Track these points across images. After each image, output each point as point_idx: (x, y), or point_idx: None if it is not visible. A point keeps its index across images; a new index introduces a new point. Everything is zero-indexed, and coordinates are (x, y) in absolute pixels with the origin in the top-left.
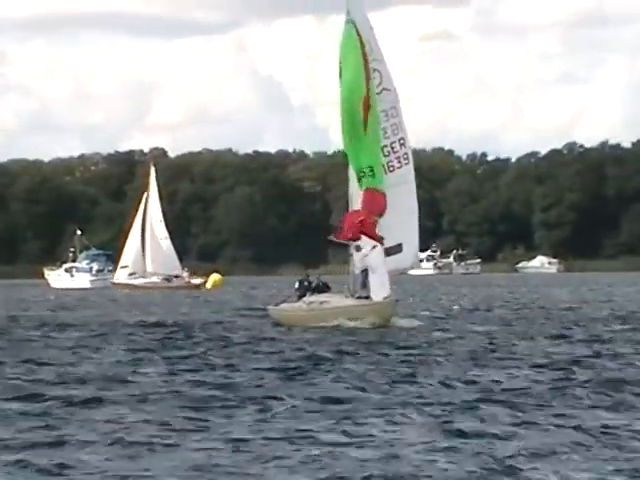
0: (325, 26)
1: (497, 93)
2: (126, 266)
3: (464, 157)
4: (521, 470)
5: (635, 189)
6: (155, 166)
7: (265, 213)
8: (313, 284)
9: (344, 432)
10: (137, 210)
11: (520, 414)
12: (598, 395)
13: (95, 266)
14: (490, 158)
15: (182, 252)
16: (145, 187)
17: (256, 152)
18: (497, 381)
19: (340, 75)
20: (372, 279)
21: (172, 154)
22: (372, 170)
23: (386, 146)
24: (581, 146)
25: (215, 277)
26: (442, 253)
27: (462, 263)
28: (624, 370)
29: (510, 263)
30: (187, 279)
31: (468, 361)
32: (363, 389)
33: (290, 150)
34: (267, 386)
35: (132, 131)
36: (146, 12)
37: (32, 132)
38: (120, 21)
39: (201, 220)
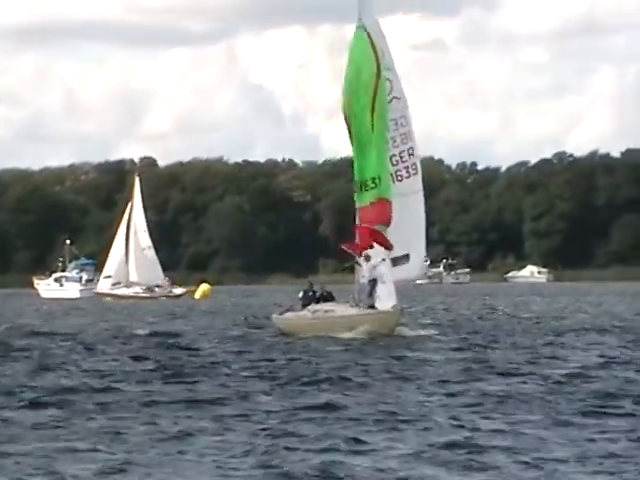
0: (315, 36)
1: (487, 102)
2: (109, 276)
3: (454, 166)
4: None
5: (625, 198)
6: (140, 176)
7: (255, 222)
8: (317, 294)
9: None
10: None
11: None
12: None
13: (85, 276)
14: (480, 167)
15: (173, 262)
16: (130, 197)
17: (246, 161)
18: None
19: (349, 80)
20: (381, 289)
21: (162, 163)
22: (375, 181)
23: (395, 155)
24: (571, 155)
25: (204, 287)
26: (432, 262)
27: (452, 272)
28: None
29: (500, 273)
30: (168, 289)
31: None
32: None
33: (280, 159)
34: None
35: (123, 140)
36: (136, 22)
37: (22, 141)
38: (110, 31)
39: (192, 229)
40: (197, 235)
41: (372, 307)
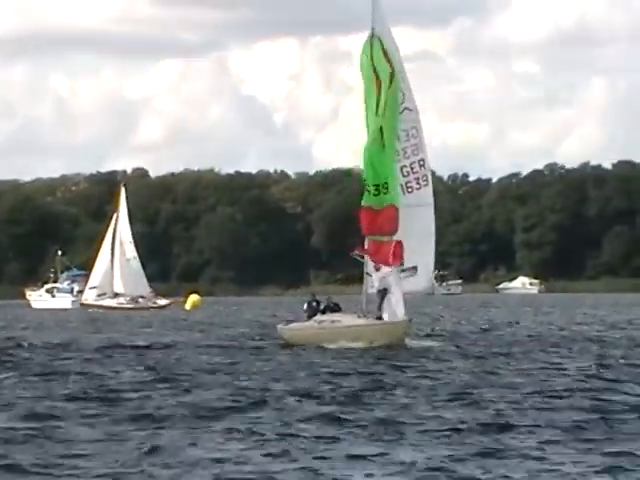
0: (307, 48)
1: (478, 114)
2: (95, 287)
3: (445, 177)
4: None
5: (616, 210)
6: (125, 186)
7: (246, 233)
8: (322, 305)
9: None
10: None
11: None
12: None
13: (76, 287)
14: (472, 178)
15: (164, 272)
16: (116, 207)
17: (238, 172)
18: None
19: (370, 90)
20: (391, 299)
21: (154, 174)
22: (388, 186)
23: (405, 166)
24: (562, 167)
25: (194, 298)
26: None
27: (444, 284)
28: None
29: (492, 284)
30: (152, 300)
31: None
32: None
33: (272, 170)
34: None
35: (114, 151)
36: (128, 33)
37: (13, 152)
38: (102, 41)
39: (183, 240)
40: (188, 246)
41: (380, 318)
